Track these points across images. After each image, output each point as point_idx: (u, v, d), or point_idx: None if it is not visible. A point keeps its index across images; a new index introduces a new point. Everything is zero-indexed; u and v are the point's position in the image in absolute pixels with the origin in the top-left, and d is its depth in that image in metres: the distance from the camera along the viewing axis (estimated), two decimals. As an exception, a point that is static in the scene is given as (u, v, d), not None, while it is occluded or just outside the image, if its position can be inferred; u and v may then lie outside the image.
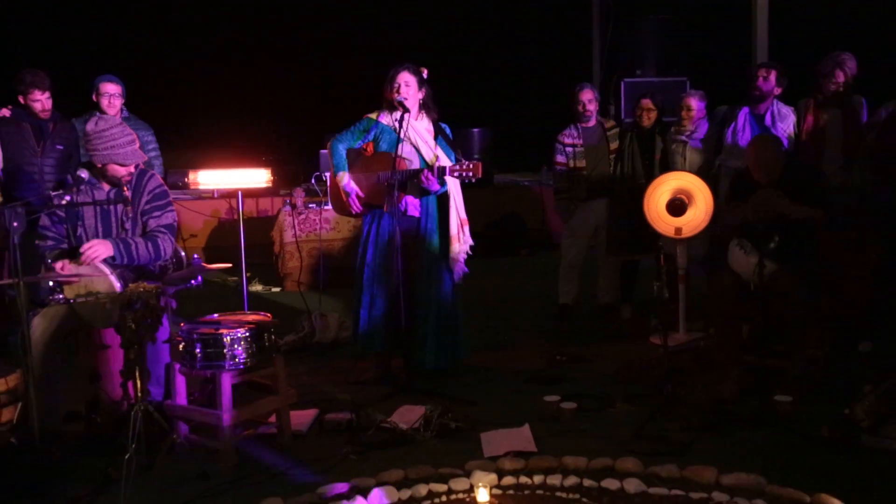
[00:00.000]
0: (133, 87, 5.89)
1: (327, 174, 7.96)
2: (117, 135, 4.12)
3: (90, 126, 4.18)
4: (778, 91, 5.71)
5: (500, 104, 9.31)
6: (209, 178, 5.99)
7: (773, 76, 5.69)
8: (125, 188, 4.18)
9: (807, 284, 4.67)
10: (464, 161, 4.86)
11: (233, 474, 3.78)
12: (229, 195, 7.87)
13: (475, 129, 9.53)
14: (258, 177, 6.00)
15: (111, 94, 5.70)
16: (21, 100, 5.54)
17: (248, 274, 6.45)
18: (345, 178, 4.96)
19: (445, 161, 4.93)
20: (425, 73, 5.00)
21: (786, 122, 5.67)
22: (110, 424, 4.08)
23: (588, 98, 6.20)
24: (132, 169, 4.21)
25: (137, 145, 4.21)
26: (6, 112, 5.55)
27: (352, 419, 4.36)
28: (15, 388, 3.90)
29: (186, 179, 5.85)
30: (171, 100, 7.01)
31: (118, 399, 4.06)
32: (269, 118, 9.08)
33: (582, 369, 5.19)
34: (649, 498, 3.45)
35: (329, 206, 7.63)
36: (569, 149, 6.25)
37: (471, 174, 4.75)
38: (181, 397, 4.10)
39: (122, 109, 5.74)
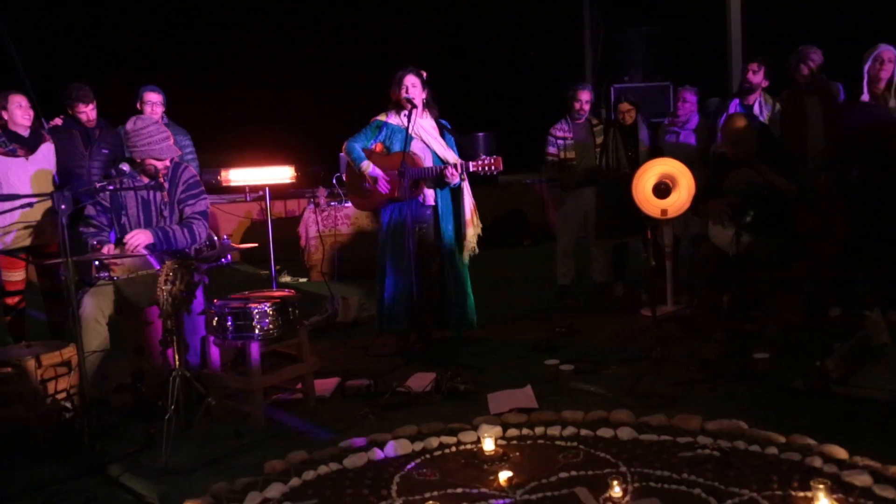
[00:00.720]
0: (172, 96, 5.94)
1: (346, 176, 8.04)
2: (153, 132, 4.18)
3: (129, 125, 4.24)
4: (765, 84, 5.78)
5: (503, 110, 9.35)
6: (239, 176, 6.04)
7: (762, 71, 5.76)
8: (162, 179, 4.24)
9: (780, 254, 4.68)
10: (485, 157, 4.93)
11: (263, 434, 3.84)
12: (259, 196, 7.90)
13: (480, 134, 9.60)
14: (283, 173, 6.04)
15: (153, 102, 5.75)
16: (69, 111, 5.61)
17: (278, 267, 6.50)
18: (369, 167, 5.00)
19: (452, 155, 4.99)
20: (425, 75, 5.06)
21: (772, 111, 5.72)
22: (154, 393, 4.14)
23: (586, 98, 6.26)
24: (167, 163, 4.26)
25: (171, 141, 4.27)
26: (58, 121, 5.62)
27: (370, 385, 4.40)
28: (69, 360, 3.97)
29: (219, 177, 5.90)
30: (206, 108, 7.05)
31: (160, 369, 4.11)
32: (293, 124, 9.14)
33: (579, 339, 5.21)
34: (640, 444, 3.46)
35: (349, 204, 7.70)
36: (560, 141, 6.30)
37: (493, 168, 4.84)
38: (216, 366, 4.15)
39: (162, 116, 5.79)
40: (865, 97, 5.20)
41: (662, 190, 5.43)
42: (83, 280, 3.97)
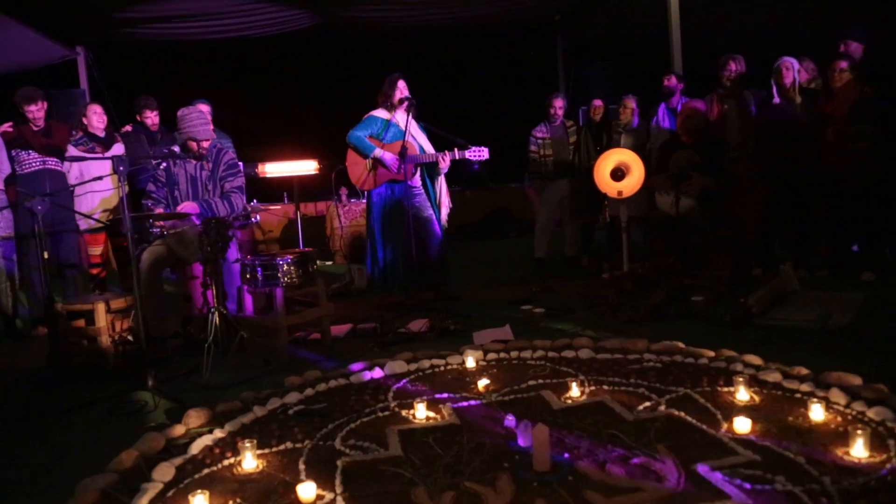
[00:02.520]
0: (218, 107, 5.94)
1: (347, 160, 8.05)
2: (195, 118, 4.18)
3: (179, 113, 4.23)
4: (681, 87, 5.80)
5: (492, 127, 9.33)
6: (273, 168, 6.03)
7: (674, 78, 5.81)
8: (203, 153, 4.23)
9: (712, 217, 4.62)
10: (474, 147, 4.90)
11: (286, 363, 3.78)
12: (290, 191, 7.76)
13: (474, 147, 9.59)
14: (308, 166, 6.03)
15: (204, 112, 5.75)
16: (137, 118, 5.64)
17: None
18: (379, 153, 4.97)
19: (430, 147, 5.01)
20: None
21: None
22: (199, 334, 4.10)
23: (559, 105, 6.26)
24: (206, 144, 4.24)
25: (210, 127, 4.26)
26: (128, 128, 5.67)
27: (376, 328, 4.35)
28: (132, 304, 3.94)
29: (257, 170, 5.90)
30: (246, 119, 7.05)
31: (203, 314, 4.06)
32: (318, 127, 9.18)
33: (551, 295, 5.13)
34: (597, 361, 3.40)
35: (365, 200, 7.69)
36: (539, 140, 6.28)
37: (481, 156, 4.81)
38: (249, 311, 4.11)
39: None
40: (776, 100, 5.17)
41: (619, 174, 5.41)
42: (142, 238, 3.94)
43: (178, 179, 4.27)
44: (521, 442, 2.45)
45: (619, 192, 5.35)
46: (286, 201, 8.90)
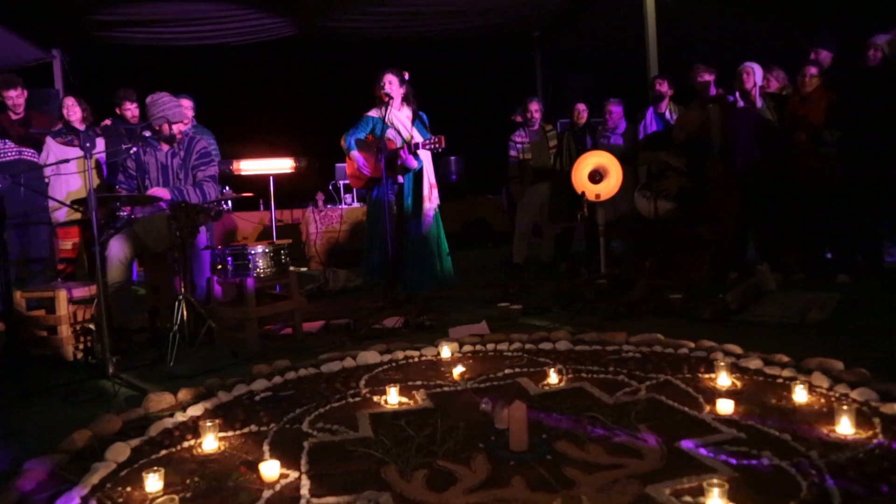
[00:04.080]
0: (200, 104, 5.79)
1: (341, 182, 7.90)
2: (168, 101, 4.05)
3: (148, 99, 4.10)
4: (670, 93, 5.77)
5: (471, 140, 9.30)
6: (248, 166, 5.88)
7: (665, 83, 5.76)
8: (179, 136, 4.09)
9: (690, 219, 4.58)
10: (432, 136, 4.78)
11: (255, 355, 3.62)
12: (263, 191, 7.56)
13: (452, 157, 9.55)
14: (284, 164, 5.89)
15: (186, 107, 5.62)
16: (117, 111, 5.51)
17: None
18: (354, 154, 4.85)
19: (419, 139, 4.86)
20: (406, 76, 4.93)
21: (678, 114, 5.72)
22: (167, 327, 3.91)
23: (535, 108, 6.22)
24: (182, 127, 4.10)
25: (182, 110, 4.13)
26: (108, 122, 5.53)
27: (349, 323, 4.20)
28: (96, 295, 3.76)
29: (231, 167, 5.75)
30: (223, 118, 6.86)
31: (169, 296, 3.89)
32: (299, 133, 9.05)
33: (528, 295, 5.03)
34: (575, 352, 3.30)
35: (342, 206, 7.59)
36: (518, 145, 6.22)
37: (438, 146, 4.67)
38: (218, 301, 3.95)
39: (192, 119, 5.65)
40: (740, 104, 5.19)
41: (597, 178, 5.36)
42: (108, 223, 3.78)
43: (148, 168, 4.12)
44: (498, 424, 2.34)
45: (597, 195, 5.29)
46: (261, 208, 8.75)
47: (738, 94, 5.15)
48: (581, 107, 6.27)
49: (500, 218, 9.04)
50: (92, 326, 3.61)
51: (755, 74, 5.07)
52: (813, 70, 4.84)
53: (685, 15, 7.47)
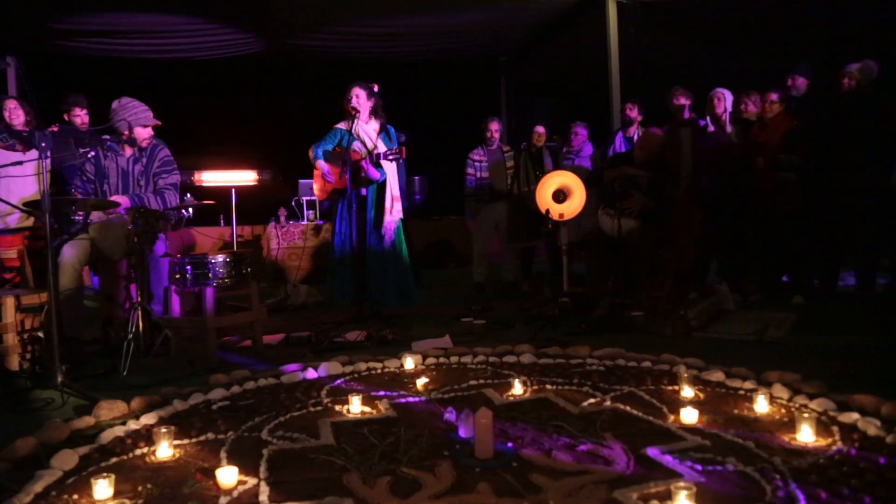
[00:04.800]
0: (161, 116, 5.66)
1: (304, 198, 7.81)
2: (136, 105, 3.97)
3: (115, 104, 3.99)
4: (640, 119, 5.87)
5: (435, 162, 9.32)
6: (210, 177, 5.76)
7: (636, 108, 5.86)
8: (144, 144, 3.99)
9: (652, 239, 4.64)
10: (394, 147, 4.76)
11: (214, 366, 3.51)
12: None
13: (416, 177, 9.55)
14: (247, 176, 5.78)
15: None
16: (66, 117, 5.35)
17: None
18: (321, 164, 4.78)
19: (383, 150, 4.83)
20: (376, 88, 4.91)
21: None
22: (119, 338, 3.78)
23: (495, 128, 6.25)
24: (150, 131, 4.01)
25: (151, 115, 4.04)
26: (54, 128, 5.35)
27: (311, 336, 4.13)
28: (46, 302, 3.61)
29: (192, 178, 5.62)
30: (189, 128, 6.71)
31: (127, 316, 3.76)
32: (262, 148, 8.90)
33: (491, 313, 5.01)
34: (539, 365, 3.28)
35: (304, 222, 7.48)
36: (476, 163, 6.25)
37: (399, 157, 4.65)
38: (176, 314, 3.84)
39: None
40: (711, 128, 5.33)
41: (560, 198, 5.40)
42: (62, 228, 3.64)
43: (108, 172, 4.01)
44: (463, 433, 2.30)
45: (561, 215, 5.33)
46: (221, 223, 8.59)
47: (708, 118, 5.27)
48: (540, 129, 6.35)
49: (464, 239, 9.07)
50: (41, 335, 3.46)
51: (725, 100, 5.21)
52: (774, 96, 4.99)
53: (649, 44, 7.65)
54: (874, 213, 4.86)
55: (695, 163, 5.39)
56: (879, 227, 4.92)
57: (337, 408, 2.67)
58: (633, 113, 5.88)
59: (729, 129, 5.23)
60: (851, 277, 5.35)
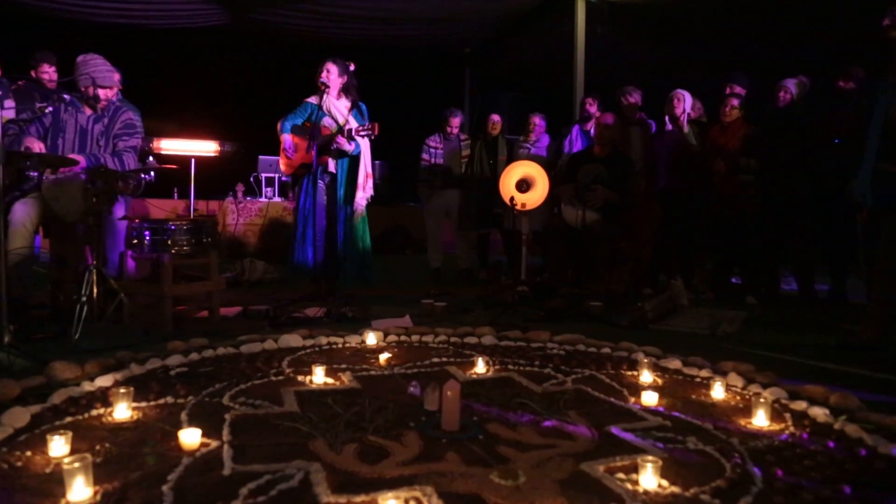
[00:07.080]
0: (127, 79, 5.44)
1: (263, 175, 7.67)
2: (100, 63, 3.81)
3: (80, 59, 3.82)
4: (598, 114, 5.91)
5: (396, 149, 9.27)
6: (169, 145, 5.58)
7: (595, 104, 5.92)
8: (103, 105, 3.82)
9: (613, 230, 4.71)
10: (366, 123, 4.70)
11: (169, 335, 3.42)
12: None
13: (377, 161, 9.47)
14: (208, 147, 5.63)
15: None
16: (32, 74, 5.12)
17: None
18: (284, 136, 4.69)
19: (355, 126, 4.75)
20: (352, 67, 4.83)
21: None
22: (70, 302, 3.64)
23: (456, 123, 6.26)
24: (111, 94, 3.86)
25: (117, 77, 3.89)
26: (20, 83, 5.11)
27: (269, 310, 4.06)
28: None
29: (152, 145, 5.44)
30: (151, 94, 6.45)
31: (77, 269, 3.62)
32: (224, 121, 8.67)
33: (450, 298, 5.01)
34: (500, 347, 3.30)
35: (262, 199, 7.36)
36: (432, 150, 6.25)
37: (371, 132, 4.58)
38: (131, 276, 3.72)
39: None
40: (668, 127, 5.44)
41: (523, 188, 5.44)
42: (15, 185, 3.48)
43: (65, 126, 3.83)
44: (427, 406, 2.29)
45: (523, 205, 5.36)
46: (175, 196, 8.36)
47: (667, 118, 5.37)
48: (496, 118, 6.34)
49: (420, 226, 9.06)
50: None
51: (685, 101, 5.32)
52: (734, 101, 5.12)
53: (614, 44, 7.76)
54: (809, 223, 5.03)
55: (649, 162, 5.50)
56: (813, 236, 5.09)
57: (300, 378, 2.63)
58: (593, 108, 5.93)
59: (686, 129, 5.35)
60: (794, 282, 5.54)
